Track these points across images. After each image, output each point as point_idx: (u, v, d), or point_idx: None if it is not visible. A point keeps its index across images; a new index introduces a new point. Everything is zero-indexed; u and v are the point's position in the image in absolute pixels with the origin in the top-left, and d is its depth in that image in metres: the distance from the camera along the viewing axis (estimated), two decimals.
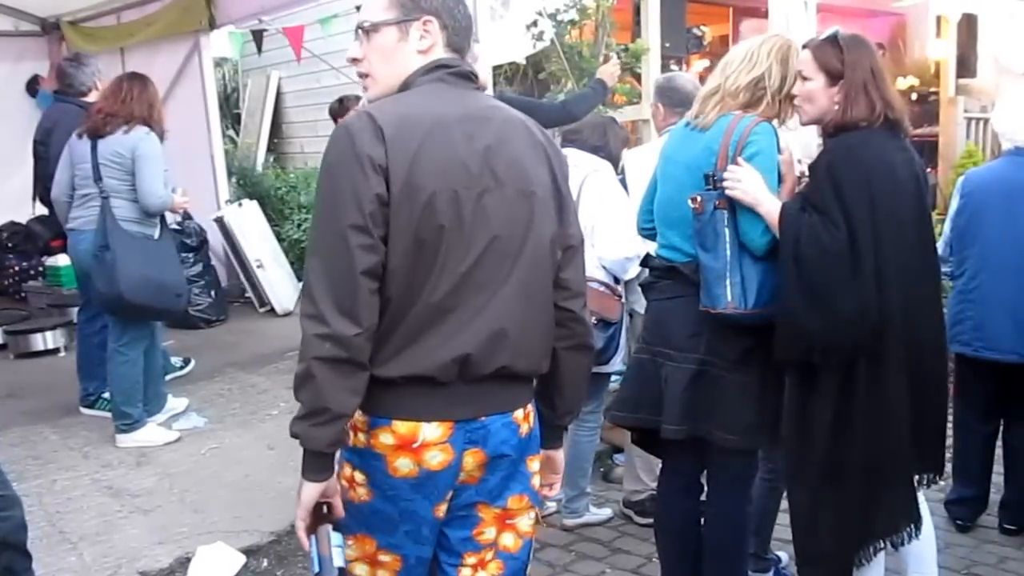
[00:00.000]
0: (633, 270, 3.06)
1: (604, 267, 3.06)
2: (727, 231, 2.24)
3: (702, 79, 8.12)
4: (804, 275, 2.16)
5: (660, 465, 3.13)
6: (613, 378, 3.62)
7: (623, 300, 3.04)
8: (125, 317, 3.84)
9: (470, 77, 1.63)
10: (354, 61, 1.65)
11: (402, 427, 1.54)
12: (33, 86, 6.95)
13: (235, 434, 4.07)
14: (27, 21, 7.02)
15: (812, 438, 2.22)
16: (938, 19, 8.89)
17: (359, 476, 1.59)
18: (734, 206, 2.23)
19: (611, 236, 3.01)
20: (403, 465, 1.55)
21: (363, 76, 1.64)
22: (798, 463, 2.30)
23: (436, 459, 1.56)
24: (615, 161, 3.20)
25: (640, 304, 3.13)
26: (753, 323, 2.24)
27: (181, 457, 3.80)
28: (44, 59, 7.07)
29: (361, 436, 1.57)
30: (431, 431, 1.55)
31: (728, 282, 2.23)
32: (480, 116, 1.58)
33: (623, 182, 3.33)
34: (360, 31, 1.62)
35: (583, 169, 3.09)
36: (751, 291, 2.23)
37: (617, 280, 3.10)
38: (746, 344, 2.29)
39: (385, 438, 1.55)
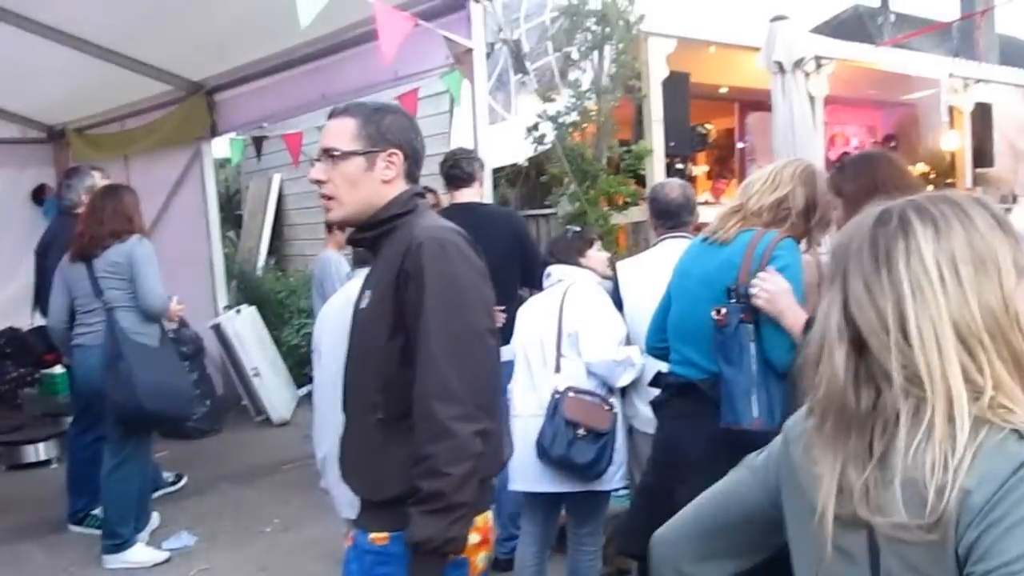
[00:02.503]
0: (626, 378, 3.11)
1: (594, 374, 3.10)
2: (753, 345, 2.27)
3: (709, 175, 8.28)
4: None
5: None
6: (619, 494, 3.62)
7: (614, 411, 3.08)
8: (137, 426, 3.98)
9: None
10: (318, 183, 1.81)
11: (480, 520, 1.74)
12: (39, 195, 7.29)
13: (225, 555, 4.13)
14: (33, 128, 7.43)
15: None
16: (951, 109, 9.19)
17: None
18: (759, 319, 2.28)
19: (595, 340, 3.09)
20: (481, 560, 1.77)
21: (327, 198, 1.82)
22: None
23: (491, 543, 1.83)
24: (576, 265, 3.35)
25: (640, 420, 3.16)
26: None
27: None
28: (50, 166, 7.45)
29: None
30: (491, 515, 1.81)
31: (754, 397, 2.25)
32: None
33: (617, 293, 3.38)
34: (326, 156, 1.80)
35: (565, 280, 3.25)
36: (778, 407, 2.24)
37: (611, 391, 3.14)
38: None
39: (472, 538, 1.70)
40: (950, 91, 9.00)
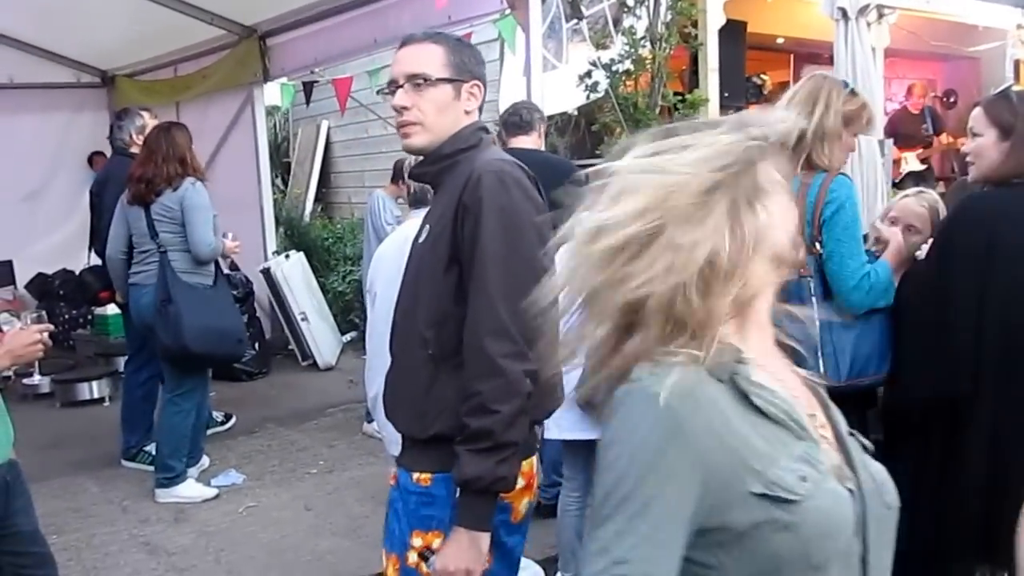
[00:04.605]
0: None
1: None
2: (813, 299, 2.22)
3: None
4: (905, 325, 2.22)
5: None
6: None
7: None
8: (188, 367, 4.03)
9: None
10: (403, 109, 1.73)
11: (526, 465, 1.71)
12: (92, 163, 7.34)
13: (273, 493, 4.18)
14: (88, 73, 7.46)
15: None
16: (1016, 63, 8.79)
17: None
18: (820, 271, 2.23)
19: None
20: (524, 507, 1.74)
21: (409, 124, 1.74)
22: None
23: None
24: None
25: None
26: (843, 394, 2.21)
27: (218, 515, 3.91)
28: (103, 110, 7.50)
29: None
30: (536, 461, 1.78)
31: (820, 354, 2.20)
32: None
33: None
34: (410, 83, 1.72)
35: None
36: (844, 362, 2.21)
37: None
38: None
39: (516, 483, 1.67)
40: (1017, 43, 8.61)
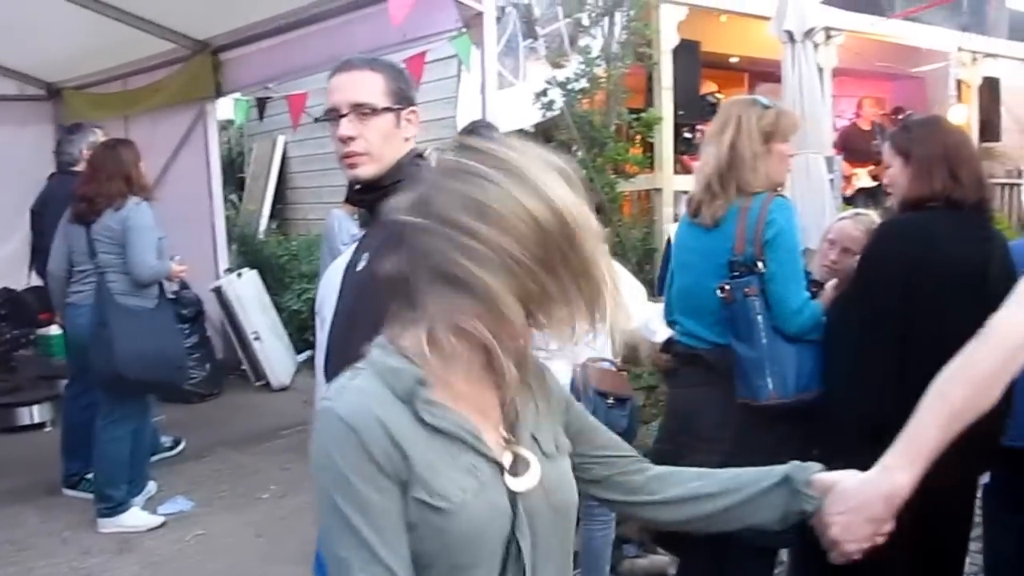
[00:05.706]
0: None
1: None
2: (760, 318, 2.25)
3: None
4: (828, 350, 2.25)
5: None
6: None
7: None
8: (124, 393, 3.84)
9: None
10: (349, 139, 1.72)
11: None
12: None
13: (222, 519, 4.01)
14: (32, 85, 7.20)
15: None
16: (959, 83, 9.01)
17: None
18: (764, 290, 2.26)
19: None
20: None
21: (356, 155, 1.73)
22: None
23: None
24: None
25: None
26: (793, 409, 2.25)
27: (165, 544, 3.74)
28: (49, 123, 7.22)
29: None
30: None
31: (768, 371, 2.24)
32: None
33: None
34: (355, 112, 1.72)
35: None
36: (790, 377, 2.25)
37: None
38: (778, 434, 2.25)
39: None
40: (959, 64, 8.86)
